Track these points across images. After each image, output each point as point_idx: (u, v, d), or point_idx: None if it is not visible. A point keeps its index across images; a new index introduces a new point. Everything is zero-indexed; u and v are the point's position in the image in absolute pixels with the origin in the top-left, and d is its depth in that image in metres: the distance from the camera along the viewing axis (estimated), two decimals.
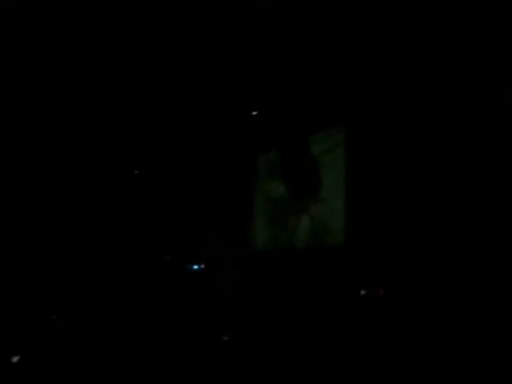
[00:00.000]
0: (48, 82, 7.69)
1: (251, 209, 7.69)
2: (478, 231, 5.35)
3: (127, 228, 8.23)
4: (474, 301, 5.18)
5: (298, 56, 6.97)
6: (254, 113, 7.65)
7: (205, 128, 7.96)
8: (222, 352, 6.40)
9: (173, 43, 7.05)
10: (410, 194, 5.96)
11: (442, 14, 5.70)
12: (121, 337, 6.97)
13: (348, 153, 6.71)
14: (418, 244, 5.75)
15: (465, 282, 5.29)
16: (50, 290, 7.68)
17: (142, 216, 8.30)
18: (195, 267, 7.83)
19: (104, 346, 6.66)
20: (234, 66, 7.40)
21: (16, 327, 6.80)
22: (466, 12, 5.58)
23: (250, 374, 5.91)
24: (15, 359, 6.00)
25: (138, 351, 6.52)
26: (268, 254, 7.35)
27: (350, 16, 6.29)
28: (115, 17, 6.72)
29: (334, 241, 6.61)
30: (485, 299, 5.11)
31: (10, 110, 7.91)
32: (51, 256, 7.96)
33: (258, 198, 7.70)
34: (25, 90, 7.75)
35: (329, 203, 6.80)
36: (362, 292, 6.23)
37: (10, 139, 8.03)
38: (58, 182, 8.21)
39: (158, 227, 8.16)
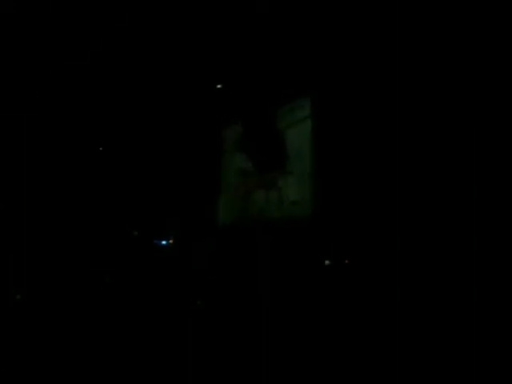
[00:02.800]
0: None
1: (218, 183, 7.68)
2: (444, 202, 5.43)
3: (92, 204, 8.17)
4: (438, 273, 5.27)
5: (263, 29, 6.97)
6: (219, 86, 7.63)
7: (169, 101, 7.92)
8: (194, 322, 6.49)
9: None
10: (377, 167, 6.00)
11: None
12: (92, 315, 7.00)
13: (314, 125, 6.74)
14: (385, 216, 5.81)
15: (430, 255, 5.37)
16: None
17: (107, 192, 8.25)
18: (163, 243, 7.83)
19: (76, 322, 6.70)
20: (198, 39, 7.37)
21: None
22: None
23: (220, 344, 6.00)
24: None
25: (111, 326, 6.57)
26: (235, 227, 7.36)
27: None
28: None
29: (302, 213, 6.62)
30: (449, 276, 5.19)
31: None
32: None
33: (225, 171, 7.71)
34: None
35: (296, 176, 6.81)
36: (327, 262, 6.30)
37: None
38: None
39: (124, 203, 8.12)
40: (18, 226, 7.82)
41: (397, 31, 5.89)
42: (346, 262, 6.15)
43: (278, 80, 7.07)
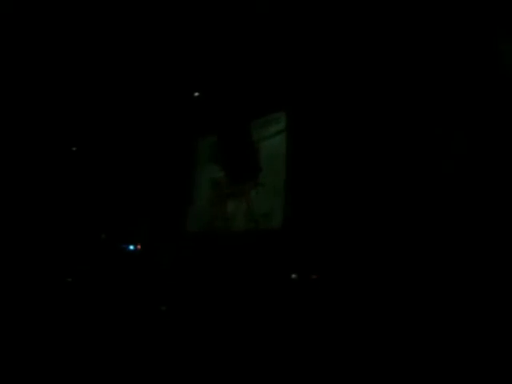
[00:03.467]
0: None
1: (189, 191, 7.67)
2: (409, 216, 5.49)
3: (63, 208, 8.11)
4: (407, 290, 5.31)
5: (240, 41, 7.00)
6: (196, 94, 7.64)
7: (145, 109, 7.91)
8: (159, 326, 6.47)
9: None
10: (348, 181, 6.05)
11: None
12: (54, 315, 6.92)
13: (288, 138, 6.78)
14: (355, 231, 5.85)
15: (396, 269, 5.42)
16: None
17: (78, 196, 8.19)
18: (131, 247, 7.79)
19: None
20: (175, 49, 7.39)
21: None
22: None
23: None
24: None
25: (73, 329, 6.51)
26: (204, 236, 7.34)
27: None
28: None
29: (271, 225, 6.64)
30: (425, 282, 5.23)
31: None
32: None
33: (198, 181, 7.69)
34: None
35: (268, 188, 6.85)
36: (293, 276, 6.31)
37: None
38: None
39: (95, 207, 8.07)
40: None
41: (374, 48, 5.99)
42: (314, 276, 6.16)
43: (254, 93, 7.11)
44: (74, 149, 8.26)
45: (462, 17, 5.57)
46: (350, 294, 5.73)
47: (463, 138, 5.46)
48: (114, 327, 6.70)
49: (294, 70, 6.74)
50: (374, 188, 5.83)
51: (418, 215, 5.39)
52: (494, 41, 5.40)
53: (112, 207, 7.99)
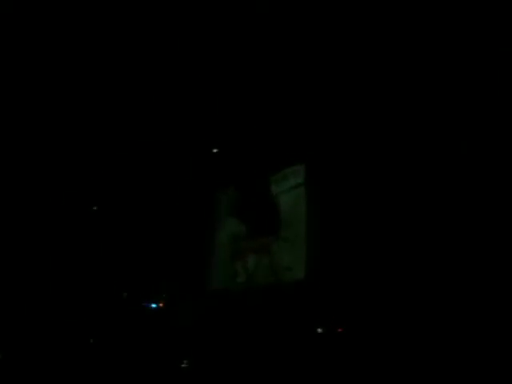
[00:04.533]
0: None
1: (210, 247, 7.65)
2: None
3: (83, 265, 8.09)
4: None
5: (255, 95, 7.10)
6: (215, 150, 7.71)
7: (164, 164, 7.96)
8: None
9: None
10: (371, 231, 6.03)
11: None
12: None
13: (308, 191, 6.81)
14: (379, 284, 5.81)
15: (426, 324, 5.35)
16: None
17: (98, 253, 8.18)
18: (153, 306, 7.73)
19: None
20: (193, 104, 7.49)
21: None
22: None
23: None
24: None
25: None
26: (226, 292, 7.29)
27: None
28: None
29: (294, 279, 6.59)
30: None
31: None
32: None
33: (217, 236, 7.69)
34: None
35: (289, 242, 6.80)
36: (319, 330, 6.25)
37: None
38: None
39: (116, 265, 8.04)
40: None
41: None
42: (339, 330, 6.10)
43: (272, 146, 7.16)
44: (95, 208, 8.30)
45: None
46: (376, 345, 5.67)
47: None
48: None
49: (312, 123, 6.80)
50: (397, 239, 5.82)
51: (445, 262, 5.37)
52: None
53: (133, 265, 7.96)
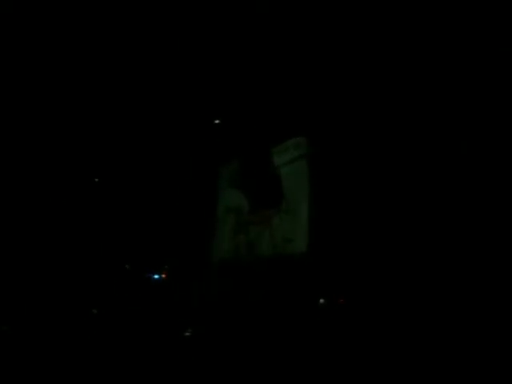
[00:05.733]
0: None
1: (212, 219, 7.68)
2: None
3: (85, 236, 8.13)
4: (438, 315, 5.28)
5: (260, 67, 7.07)
6: (217, 121, 7.70)
7: (165, 136, 7.96)
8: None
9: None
10: (373, 206, 6.05)
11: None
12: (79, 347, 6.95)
13: (310, 163, 6.81)
14: (381, 256, 5.84)
15: (427, 296, 5.38)
16: None
17: (100, 225, 8.21)
18: (156, 277, 7.80)
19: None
20: (194, 75, 7.46)
21: None
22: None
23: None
24: None
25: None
26: (229, 263, 7.34)
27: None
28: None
29: (296, 251, 6.63)
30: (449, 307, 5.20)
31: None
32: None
33: (220, 208, 7.70)
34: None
35: (290, 214, 6.84)
36: (321, 301, 6.30)
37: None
38: None
39: (118, 236, 8.08)
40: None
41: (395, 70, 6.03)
42: (341, 301, 6.15)
43: (274, 118, 7.14)
44: (96, 180, 8.32)
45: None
46: (378, 318, 5.71)
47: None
48: (138, 356, 6.72)
49: (314, 96, 6.78)
50: (400, 210, 5.84)
51: (451, 237, 5.38)
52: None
53: (135, 237, 8.00)
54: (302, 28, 6.64)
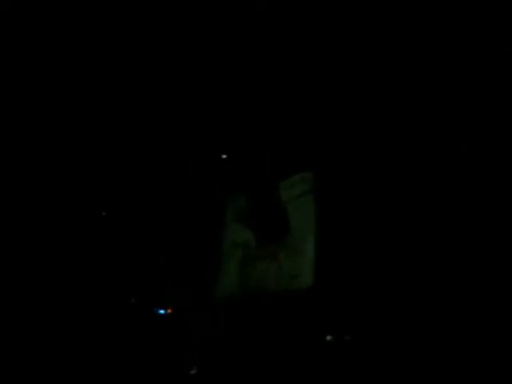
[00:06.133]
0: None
1: (218, 254, 7.65)
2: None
3: (90, 269, 8.09)
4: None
5: (265, 103, 7.12)
6: (224, 156, 7.73)
7: (172, 171, 7.97)
8: None
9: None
10: (380, 244, 6.06)
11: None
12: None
13: (317, 199, 6.81)
14: (388, 292, 5.83)
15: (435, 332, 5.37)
16: None
17: (105, 259, 8.18)
18: (161, 312, 7.74)
19: None
20: (196, 109, 7.51)
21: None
22: None
23: None
24: None
25: None
26: (234, 299, 7.29)
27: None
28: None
29: (302, 287, 6.59)
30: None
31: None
32: None
33: (226, 243, 7.67)
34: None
35: (297, 250, 6.79)
36: (328, 337, 6.27)
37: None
38: None
39: (124, 270, 8.05)
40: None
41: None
42: (348, 337, 6.12)
43: (280, 153, 7.18)
44: (104, 213, 8.30)
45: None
46: (385, 356, 5.69)
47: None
48: None
49: (321, 131, 6.83)
50: (408, 247, 5.85)
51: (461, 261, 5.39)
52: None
53: (141, 272, 7.96)
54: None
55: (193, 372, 6.92)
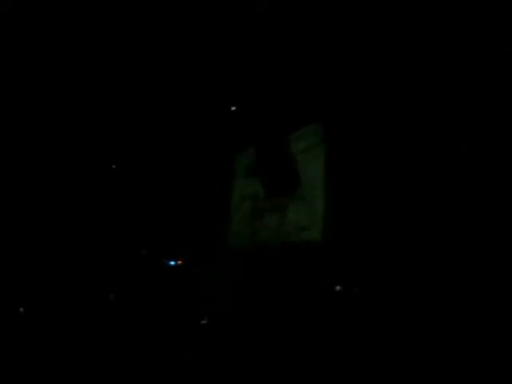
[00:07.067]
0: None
1: (228, 206, 7.67)
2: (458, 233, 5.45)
3: (103, 223, 8.17)
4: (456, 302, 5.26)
5: (277, 54, 7.04)
6: (233, 108, 7.68)
7: (182, 123, 7.95)
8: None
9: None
10: (389, 194, 6.03)
11: None
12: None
13: (326, 151, 6.78)
14: (397, 244, 5.83)
15: (444, 284, 5.37)
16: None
17: (117, 211, 8.25)
18: (172, 263, 7.81)
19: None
20: (209, 63, 7.45)
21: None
22: None
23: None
24: None
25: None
26: (244, 251, 7.34)
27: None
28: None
29: (311, 238, 6.63)
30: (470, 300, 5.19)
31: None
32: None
33: (235, 195, 7.70)
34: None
35: (306, 202, 6.82)
36: (337, 288, 6.30)
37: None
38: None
39: (134, 222, 8.11)
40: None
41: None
42: (356, 289, 6.15)
43: (290, 104, 7.12)
44: (114, 166, 8.33)
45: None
46: (394, 305, 5.72)
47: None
48: (154, 343, 6.77)
49: (330, 80, 6.76)
50: (417, 198, 5.82)
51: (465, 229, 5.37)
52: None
53: (151, 224, 8.02)
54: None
55: (204, 322, 7.00)
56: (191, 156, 7.97)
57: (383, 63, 6.25)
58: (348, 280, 6.17)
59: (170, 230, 7.90)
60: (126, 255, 7.93)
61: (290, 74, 7.06)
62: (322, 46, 6.76)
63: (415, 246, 5.66)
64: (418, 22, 5.91)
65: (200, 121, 7.87)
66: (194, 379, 6.32)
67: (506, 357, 4.75)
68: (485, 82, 5.39)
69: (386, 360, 5.39)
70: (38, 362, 6.75)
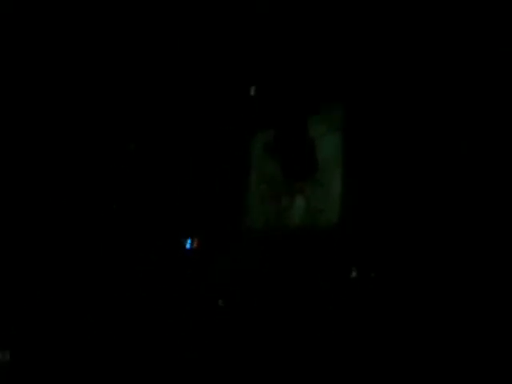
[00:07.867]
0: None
1: (245, 188, 7.64)
2: (476, 219, 5.39)
3: (120, 205, 8.17)
4: (470, 291, 5.21)
5: (298, 36, 7.00)
6: (253, 88, 7.63)
7: (200, 104, 7.93)
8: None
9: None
10: (407, 180, 5.99)
11: None
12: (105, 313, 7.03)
13: (346, 136, 6.74)
14: (414, 230, 5.79)
15: (461, 271, 5.32)
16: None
17: (133, 194, 8.24)
18: (187, 246, 7.79)
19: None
20: (230, 43, 7.41)
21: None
22: None
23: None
24: None
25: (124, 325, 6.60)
26: (261, 233, 7.31)
27: None
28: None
29: (328, 222, 6.59)
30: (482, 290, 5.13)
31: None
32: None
33: (252, 177, 7.65)
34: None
35: (324, 185, 6.78)
36: (353, 273, 6.26)
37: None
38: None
39: (151, 204, 8.10)
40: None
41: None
42: (372, 275, 6.11)
43: (312, 88, 7.08)
44: (132, 146, 8.31)
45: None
46: (411, 291, 5.68)
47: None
48: (171, 325, 6.78)
49: (352, 64, 6.71)
50: (436, 187, 5.76)
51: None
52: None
53: (166, 206, 8.01)
54: None
55: (220, 304, 6.99)
56: (208, 137, 7.94)
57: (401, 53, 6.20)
58: (365, 264, 6.13)
59: (184, 214, 7.87)
60: (138, 239, 7.92)
61: (311, 57, 7.02)
62: (342, 34, 6.72)
63: (434, 231, 5.60)
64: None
65: (218, 101, 7.83)
66: (205, 365, 6.32)
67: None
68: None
69: (403, 348, 5.35)
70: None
